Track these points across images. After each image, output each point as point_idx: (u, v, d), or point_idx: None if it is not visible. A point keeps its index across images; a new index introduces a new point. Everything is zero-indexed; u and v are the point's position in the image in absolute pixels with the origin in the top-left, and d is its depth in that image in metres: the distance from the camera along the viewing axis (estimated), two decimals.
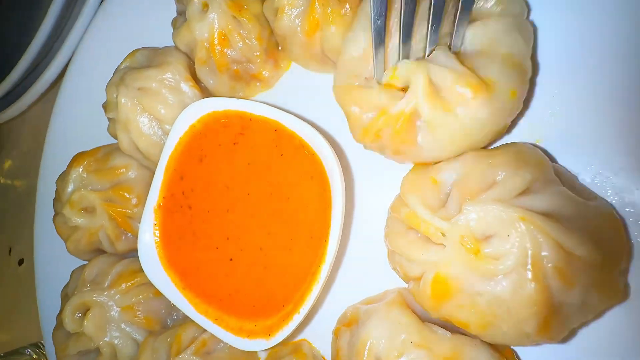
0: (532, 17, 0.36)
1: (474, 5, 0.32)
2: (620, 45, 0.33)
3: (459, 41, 0.33)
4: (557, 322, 0.27)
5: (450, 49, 0.33)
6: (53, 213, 0.58)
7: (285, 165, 0.40)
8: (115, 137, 0.53)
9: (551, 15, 0.36)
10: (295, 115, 0.41)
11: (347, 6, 0.37)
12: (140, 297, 0.50)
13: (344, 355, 0.37)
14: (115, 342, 0.48)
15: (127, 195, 0.53)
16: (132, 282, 0.51)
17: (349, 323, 0.40)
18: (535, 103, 0.36)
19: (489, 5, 0.33)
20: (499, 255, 0.28)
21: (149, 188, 0.53)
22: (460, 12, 0.31)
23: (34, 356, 0.70)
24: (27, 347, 0.71)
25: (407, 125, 0.33)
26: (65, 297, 0.52)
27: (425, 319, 0.35)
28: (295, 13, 0.40)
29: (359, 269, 0.45)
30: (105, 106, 0.53)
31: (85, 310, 0.49)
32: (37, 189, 0.66)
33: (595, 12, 0.34)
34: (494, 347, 0.33)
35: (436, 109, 0.31)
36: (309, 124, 0.40)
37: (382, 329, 0.34)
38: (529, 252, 0.26)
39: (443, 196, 0.34)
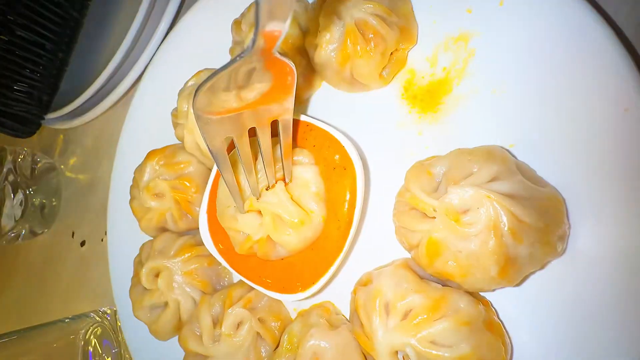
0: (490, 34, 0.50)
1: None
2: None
3: (288, 176, 0.51)
4: (513, 269, 0.38)
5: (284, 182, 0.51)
6: (125, 199, 0.72)
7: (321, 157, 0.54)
8: (181, 139, 0.67)
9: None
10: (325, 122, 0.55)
11: (372, 43, 0.51)
12: (197, 265, 0.63)
13: (361, 304, 0.49)
14: (179, 298, 0.62)
15: (188, 185, 0.66)
16: (191, 253, 0.64)
17: (365, 283, 0.52)
18: (509, 114, 0.49)
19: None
20: (472, 223, 0.40)
21: (206, 180, 0.67)
22: (283, 157, 0.48)
23: (97, 318, 0.83)
24: (91, 312, 0.86)
25: (267, 244, 0.52)
26: (139, 263, 0.66)
27: (423, 278, 0.47)
28: (331, 48, 0.53)
29: (373, 245, 0.57)
30: (175, 114, 0.68)
31: (156, 273, 0.63)
32: (110, 180, 0.81)
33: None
34: (473, 295, 0.44)
35: (279, 234, 0.51)
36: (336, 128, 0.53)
37: (390, 282, 0.46)
38: (492, 219, 0.38)
39: (435, 184, 0.46)
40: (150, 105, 0.77)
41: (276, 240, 0.52)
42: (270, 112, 0.44)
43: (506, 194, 0.39)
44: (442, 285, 0.45)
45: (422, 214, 0.46)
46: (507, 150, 0.46)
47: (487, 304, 0.45)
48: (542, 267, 0.41)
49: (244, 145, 0.45)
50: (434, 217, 0.43)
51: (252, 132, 0.48)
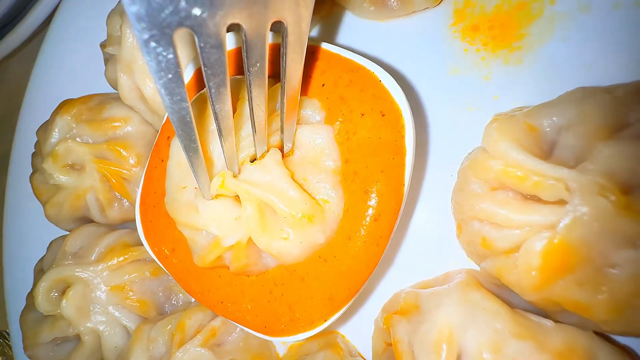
0: None
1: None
2: None
3: (289, 143, 0.31)
4: None
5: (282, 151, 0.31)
6: (29, 172, 0.48)
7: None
8: (114, 83, 0.44)
9: None
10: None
11: None
12: (135, 275, 0.41)
13: (404, 350, 0.29)
14: (100, 328, 0.39)
15: (124, 153, 0.44)
16: (125, 257, 0.42)
17: (405, 310, 0.32)
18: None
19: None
20: None
21: (151, 147, 0.44)
22: (286, 108, 0.28)
23: None
24: None
25: (247, 252, 0.31)
26: (40, 272, 0.43)
27: (511, 305, 0.28)
28: None
29: (406, 250, 0.38)
30: (104, 44, 0.44)
31: (64, 288, 0.40)
32: (11, 149, 0.56)
33: None
34: (607, 339, 0.25)
35: (270, 235, 0.30)
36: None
37: (463, 314, 0.27)
38: None
39: (546, 146, 0.27)
40: (71, 37, 0.52)
41: (263, 248, 0.30)
42: (275, 8, 0.23)
43: None
44: (553, 321, 0.26)
45: (521, 196, 0.26)
46: None
47: (632, 354, 0.26)
48: None
49: (218, 68, 0.22)
50: (560, 202, 0.23)
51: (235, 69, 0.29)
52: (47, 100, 0.53)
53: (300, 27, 0.25)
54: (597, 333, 0.26)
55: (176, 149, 0.33)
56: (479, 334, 0.25)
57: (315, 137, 0.31)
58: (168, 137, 0.39)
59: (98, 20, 0.48)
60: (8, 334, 0.63)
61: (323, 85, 0.33)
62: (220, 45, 0.21)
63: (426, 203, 0.37)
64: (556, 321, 0.26)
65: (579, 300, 0.23)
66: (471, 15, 0.38)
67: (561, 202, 0.23)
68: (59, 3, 0.56)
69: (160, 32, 0.19)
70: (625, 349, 0.26)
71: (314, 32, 0.44)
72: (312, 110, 0.33)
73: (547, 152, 0.27)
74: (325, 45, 0.34)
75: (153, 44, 0.20)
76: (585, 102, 0.26)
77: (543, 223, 0.24)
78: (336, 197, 0.30)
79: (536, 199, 0.25)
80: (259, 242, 0.29)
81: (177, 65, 0.21)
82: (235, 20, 0.22)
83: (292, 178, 0.30)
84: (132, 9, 0.18)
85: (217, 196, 0.31)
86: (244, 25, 0.22)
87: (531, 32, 0.35)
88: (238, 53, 0.36)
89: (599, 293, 0.23)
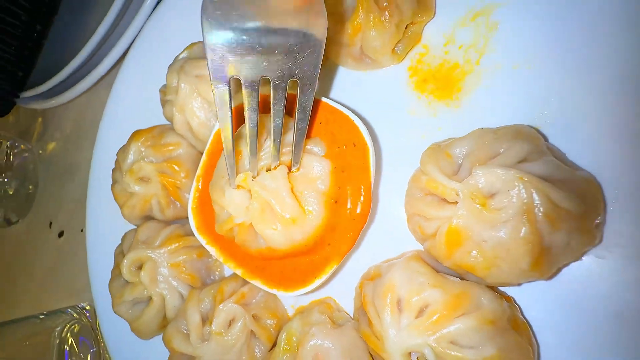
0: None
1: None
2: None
3: (296, 162, 0.44)
4: (546, 260, 0.34)
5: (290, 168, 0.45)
6: (107, 185, 0.66)
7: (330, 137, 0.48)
8: (170, 119, 0.61)
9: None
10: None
11: (387, 13, 0.46)
12: (185, 257, 0.58)
13: (368, 300, 0.44)
14: (165, 292, 0.56)
15: (177, 169, 0.60)
16: (178, 243, 0.58)
17: (372, 277, 0.47)
18: (538, 94, 0.44)
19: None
20: (501, 207, 0.35)
21: (196, 164, 0.61)
22: (296, 137, 0.42)
23: (75, 315, 0.77)
24: (68, 307, 0.79)
25: (248, 232, 0.46)
26: (120, 254, 0.60)
27: (438, 271, 0.42)
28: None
29: (378, 237, 0.52)
30: (163, 90, 0.62)
31: (139, 265, 0.57)
32: (90, 163, 0.74)
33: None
34: (495, 291, 0.40)
35: (265, 224, 0.45)
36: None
37: (403, 275, 0.41)
38: (525, 203, 0.34)
39: (455, 167, 0.42)
40: (136, 82, 0.70)
41: (259, 231, 0.45)
42: (291, 69, 0.37)
43: (540, 175, 0.35)
44: (461, 280, 0.41)
45: (440, 199, 0.41)
46: (534, 128, 0.41)
47: (510, 300, 0.40)
48: (576, 259, 0.37)
49: (252, 101, 0.37)
50: (455, 203, 0.38)
51: (262, 108, 0.42)
52: (116, 130, 0.72)
53: (311, 84, 0.39)
54: (487, 286, 0.40)
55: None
56: (409, 286, 0.40)
57: (316, 165, 0.46)
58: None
59: (157, 69, 0.66)
60: (83, 308, 0.82)
61: (320, 123, 0.49)
62: (255, 90, 0.37)
63: (390, 203, 0.52)
64: (463, 279, 0.41)
65: (468, 263, 0.38)
66: (422, 72, 0.53)
67: (456, 203, 0.38)
68: (123, 55, 0.74)
69: (222, 79, 0.35)
70: (505, 296, 0.40)
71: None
72: (317, 146, 0.48)
73: (455, 171, 0.41)
74: (322, 98, 0.49)
75: (219, 86, 0.36)
76: (477, 138, 0.40)
77: (448, 216, 0.39)
78: (318, 210, 0.45)
79: (445, 201, 0.40)
80: (256, 227, 0.45)
81: (229, 100, 0.37)
82: (266, 76, 0.37)
83: (292, 189, 0.45)
84: (209, 66, 0.34)
85: (238, 187, 0.46)
86: (272, 80, 0.38)
87: (464, 82, 0.50)
88: (266, 98, 0.53)
89: (477, 258, 0.37)
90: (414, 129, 0.52)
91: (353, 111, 0.48)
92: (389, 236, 0.51)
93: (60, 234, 0.92)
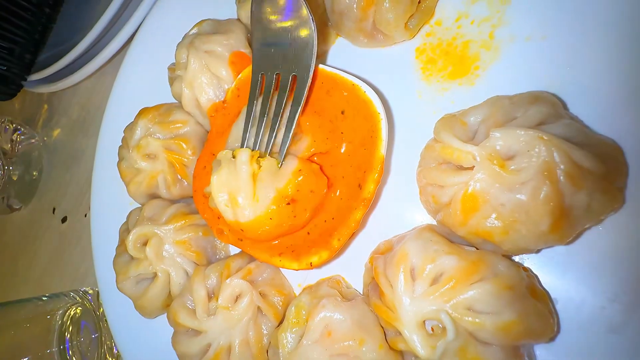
0: None
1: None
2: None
3: (281, 159, 0.45)
4: (567, 222, 0.33)
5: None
6: (112, 167, 0.65)
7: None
8: (178, 97, 0.60)
9: None
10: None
11: None
12: (191, 234, 0.57)
13: (380, 272, 0.43)
14: (170, 269, 0.55)
15: (184, 146, 0.60)
16: (185, 221, 0.57)
17: (383, 252, 0.46)
18: (554, 64, 0.43)
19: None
20: (521, 169, 0.34)
21: (203, 142, 0.61)
22: (285, 131, 0.44)
23: (78, 299, 0.76)
24: (70, 291, 0.78)
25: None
26: (125, 231, 0.59)
27: (452, 242, 0.41)
28: None
29: (387, 213, 0.52)
30: (172, 68, 0.61)
31: (144, 241, 0.56)
32: (96, 149, 0.74)
33: None
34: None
35: (218, 195, 0.45)
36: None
37: (416, 245, 0.40)
38: (546, 162, 0.33)
39: (471, 134, 0.41)
40: (145, 63, 0.70)
41: (214, 198, 0.45)
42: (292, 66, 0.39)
43: (560, 135, 0.34)
44: (476, 249, 0.40)
45: (455, 167, 0.40)
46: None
47: (527, 270, 0.39)
48: (597, 222, 0.36)
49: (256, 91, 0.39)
50: (472, 168, 0.37)
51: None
52: (122, 109, 0.71)
53: (304, 81, 0.41)
54: (504, 255, 0.39)
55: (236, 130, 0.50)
56: (423, 254, 0.39)
57: (291, 165, 0.45)
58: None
59: (164, 50, 0.65)
60: (85, 292, 0.80)
61: (328, 91, 0.48)
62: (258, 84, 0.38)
63: (398, 178, 0.51)
64: (478, 249, 0.40)
65: (485, 228, 0.37)
66: (433, 48, 0.52)
67: (472, 168, 0.37)
68: (131, 37, 0.73)
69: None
70: (522, 266, 0.39)
71: (325, 59, 0.60)
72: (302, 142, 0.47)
73: (470, 137, 0.40)
74: (332, 69, 0.49)
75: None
76: (493, 104, 0.40)
77: (463, 181, 0.38)
78: (264, 203, 0.43)
79: (461, 167, 0.39)
80: (213, 194, 0.45)
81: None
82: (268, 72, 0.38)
83: (254, 176, 0.44)
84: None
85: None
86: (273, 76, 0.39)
87: (479, 58, 0.49)
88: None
89: (495, 222, 0.36)
90: (425, 106, 0.51)
91: (368, 80, 0.47)
92: (397, 213, 0.50)
93: (64, 220, 0.91)
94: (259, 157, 0.46)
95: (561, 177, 0.33)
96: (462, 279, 0.35)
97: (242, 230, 0.46)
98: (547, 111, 0.36)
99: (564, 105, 0.40)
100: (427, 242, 0.40)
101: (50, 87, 0.85)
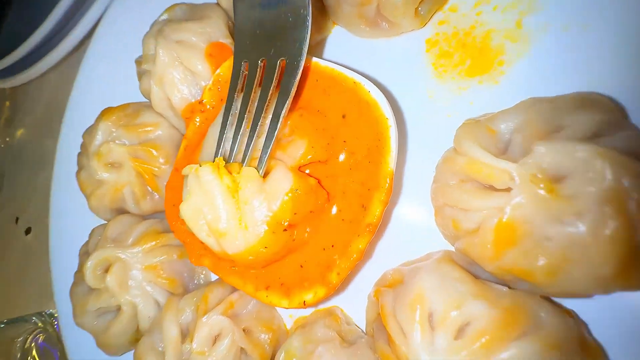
0: None
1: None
2: None
3: (261, 168, 0.37)
4: (638, 265, 0.25)
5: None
6: (73, 173, 0.56)
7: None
8: (147, 95, 0.52)
9: None
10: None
11: None
12: (164, 257, 0.48)
13: (388, 312, 0.35)
14: (137, 300, 0.46)
15: (155, 153, 0.51)
16: (157, 241, 0.49)
17: (392, 284, 0.38)
18: (597, 60, 0.36)
19: None
20: (576, 194, 0.26)
21: (177, 148, 0.52)
22: (268, 130, 0.36)
23: (39, 324, 0.67)
24: (32, 315, 0.69)
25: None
26: (85, 254, 0.50)
27: (477, 277, 0.34)
28: None
29: (394, 234, 0.44)
30: (139, 60, 0.52)
31: (106, 267, 0.47)
32: (56, 150, 0.64)
33: None
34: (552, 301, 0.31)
35: (196, 227, 0.38)
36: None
37: (434, 282, 0.33)
38: (612, 189, 0.25)
39: (502, 145, 0.33)
40: (111, 54, 0.61)
41: (193, 232, 0.38)
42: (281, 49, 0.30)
43: (625, 151, 0.26)
44: (508, 288, 0.32)
45: (482, 186, 0.32)
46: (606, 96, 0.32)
47: (572, 315, 0.32)
48: None
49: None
50: (507, 190, 0.29)
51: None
52: (87, 108, 0.62)
53: (295, 67, 0.32)
54: (543, 297, 0.32)
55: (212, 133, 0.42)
56: (445, 296, 0.31)
57: (285, 181, 0.35)
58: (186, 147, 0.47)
59: (133, 39, 0.56)
60: (49, 315, 0.72)
61: (325, 90, 0.40)
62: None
63: (409, 194, 0.43)
64: (510, 288, 0.32)
65: (523, 267, 0.29)
66: (448, 38, 0.44)
67: (508, 190, 0.30)
68: (98, 22, 0.64)
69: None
70: (566, 310, 0.32)
71: (319, 51, 0.51)
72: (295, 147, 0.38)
73: (502, 150, 0.33)
74: (329, 64, 0.40)
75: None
76: (531, 109, 0.32)
77: (496, 206, 0.30)
78: (257, 230, 0.35)
79: (492, 188, 0.31)
80: (189, 225, 0.38)
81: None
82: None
83: (232, 192, 0.36)
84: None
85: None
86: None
87: (503, 51, 0.41)
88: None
89: (538, 260, 0.28)
90: (438, 107, 0.43)
91: (370, 77, 0.39)
92: (406, 234, 0.43)
93: (28, 231, 0.82)
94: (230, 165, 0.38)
95: (632, 207, 0.25)
96: (497, 335, 0.28)
97: (231, 260, 0.38)
98: (603, 119, 0.28)
99: (623, 112, 0.32)
100: (449, 280, 0.32)
101: (9, 81, 0.75)
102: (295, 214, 0.35)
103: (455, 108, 0.42)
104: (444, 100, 0.43)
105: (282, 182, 0.35)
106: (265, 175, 0.37)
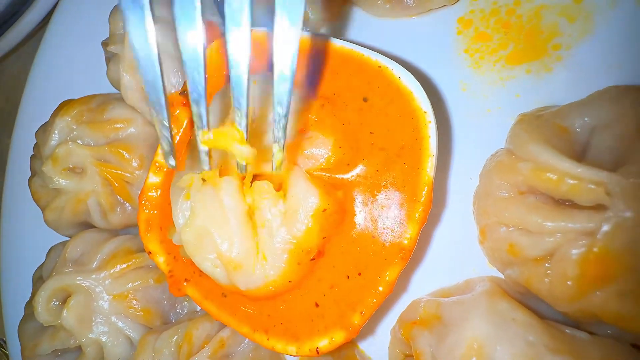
0: None
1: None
2: None
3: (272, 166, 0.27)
4: None
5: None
6: (28, 175, 0.47)
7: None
8: (116, 83, 0.42)
9: None
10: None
11: None
12: (138, 283, 0.40)
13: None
14: (103, 339, 0.37)
15: (127, 156, 0.42)
16: (128, 264, 0.40)
17: (425, 321, 0.30)
18: None
19: None
20: None
21: (154, 149, 0.43)
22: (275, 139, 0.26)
23: None
24: None
25: None
26: (39, 280, 0.41)
27: (539, 315, 0.26)
28: None
29: (419, 258, 0.36)
30: (106, 42, 0.43)
31: (65, 297, 0.38)
32: (9, 151, 0.54)
33: None
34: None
35: (201, 256, 0.30)
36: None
37: (491, 326, 0.25)
38: None
39: (578, 147, 0.26)
40: (71, 36, 0.51)
41: (196, 263, 0.30)
42: None
43: None
44: (587, 332, 0.25)
45: (553, 201, 0.25)
46: None
47: None
48: None
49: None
50: (598, 207, 0.22)
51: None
52: (47, 101, 0.52)
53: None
54: (634, 345, 0.24)
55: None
56: (511, 348, 0.23)
57: (309, 197, 0.27)
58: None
59: (99, 18, 0.47)
60: (5, 342, 0.61)
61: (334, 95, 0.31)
62: None
63: (444, 208, 0.36)
64: (590, 333, 0.25)
65: (621, 312, 0.22)
66: (486, 17, 0.37)
67: (600, 208, 0.22)
68: (58, 1, 0.54)
69: None
70: None
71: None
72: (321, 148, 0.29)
73: (579, 154, 0.25)
74: (346, 44, 0.32)
75: None
76: (621, 101, 0.24)
77: (580, 229, 0.23)
78: (277, 262, 0.27)
79: (570, 204, 0.24)
80: (191, 255, 0.30)
81: None
82: None
83: (251, 212, 0.28)
84: None
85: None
86: None
87: (556, 31, 0.34)
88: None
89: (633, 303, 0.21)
90: (474, 102, 0.36)
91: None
92: (437, 255, 0.35)
93: None
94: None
95: None
96: None
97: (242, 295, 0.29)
98: None
99: None
100: (509, 323, 0.25)
101: None
102: (323, 238, 0.27)
103: (497, 102, 0.35)
104: (481, 93, 0.36)
105: (306, 199, 0.26)
106: (277, 187, 0.28)
